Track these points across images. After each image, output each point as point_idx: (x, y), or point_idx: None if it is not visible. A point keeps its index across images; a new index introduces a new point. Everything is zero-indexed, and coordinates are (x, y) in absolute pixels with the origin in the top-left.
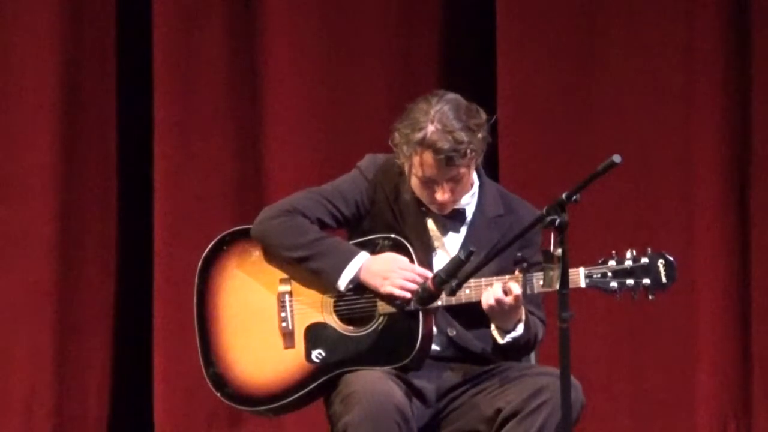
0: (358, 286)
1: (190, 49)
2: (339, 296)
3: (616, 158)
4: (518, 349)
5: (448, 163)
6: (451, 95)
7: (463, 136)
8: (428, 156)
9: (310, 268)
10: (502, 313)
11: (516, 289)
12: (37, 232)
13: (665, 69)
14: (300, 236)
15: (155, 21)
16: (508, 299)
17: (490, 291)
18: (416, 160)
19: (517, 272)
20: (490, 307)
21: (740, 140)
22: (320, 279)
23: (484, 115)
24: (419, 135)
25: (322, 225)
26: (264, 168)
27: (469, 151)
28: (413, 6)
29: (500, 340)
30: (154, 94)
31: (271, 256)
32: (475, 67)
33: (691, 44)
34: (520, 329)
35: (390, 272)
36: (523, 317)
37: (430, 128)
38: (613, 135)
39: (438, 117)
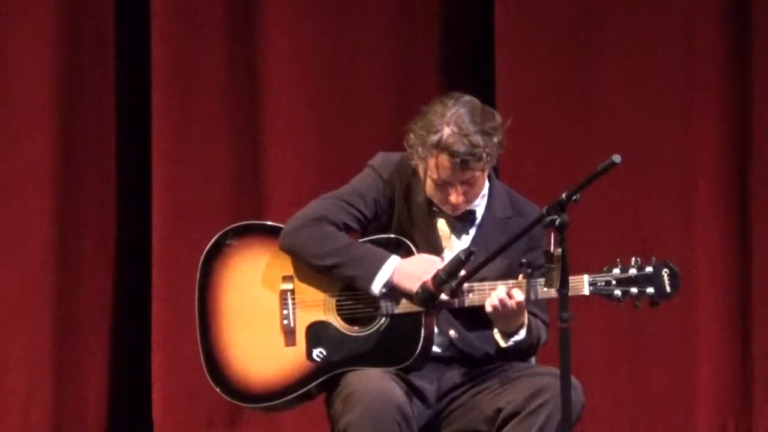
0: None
1: (189, 49)
2: (341, 296)
3: (616, 158)
4: (520, 353)
5: (463, 166)
6: (467, 98)
7: (478, 139)
8: (444, 159)
9: (343, 275)
10: (505, 317)
11: (519, 295)
12: (35, 231)
13: (665, 69)
14: (329, 244)
15: (154, 21)
16: (511, 303)
17: (494, 294)
18: (431, 162)
19: (521, 277)
20: (494, 308)
21: (740, 140)
22: (355, 285)
23: (499, 119)
24: (435, 138)
25: (348, 229)
26: (263, 168)
27: (484, 155)
28: (413, 6)
29: (502, 344)
30: (153, 93)
31: (274, 252)
32: (475, 67)
33: (690, 44)
34: (522, 333)
35: (424, 273)
36: (526, 321)
37: (446, 131)
38: (613, 135)
39: (454, 120)
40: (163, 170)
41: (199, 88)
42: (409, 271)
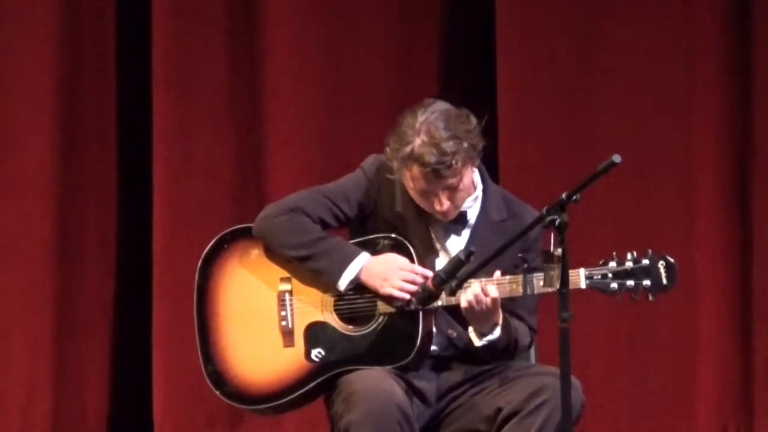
0: (358, 286)
1: (190, 49)
2: (339, 295)
3: (616, 158)
4: (497, 354)
5: (436, 175)
6: (438, 104)
7: (449, 147)
8: (416, 170)
9: (310, 268)
10: (480, 314)
11: (493, 291)
12: (36, 232)
13: (665, 69)
14: (302, 235)
15: (155, 20)
16: (486, 300)
17: (469, 290)
18: (407, 174)
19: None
20: (469, 304)
21: (740, 140)
22: (321, 279)
23: (474, 120)
24: (407, 149)
25: (324, 225)
26: (264, 168)
27: (454, 162)
28: (413, 6)
29: (477, 343)
30: (153, 94)
31: (272, 254)
32: (475, 67)
33: (691, 45)
34: (496, 332)
35: (389, 273)
36: (500, 321)
37: (417, 141)
38: (613, 135)
39: (425, 129)
40: (163, 170)
41: (200, 88)
42: (376, 269)
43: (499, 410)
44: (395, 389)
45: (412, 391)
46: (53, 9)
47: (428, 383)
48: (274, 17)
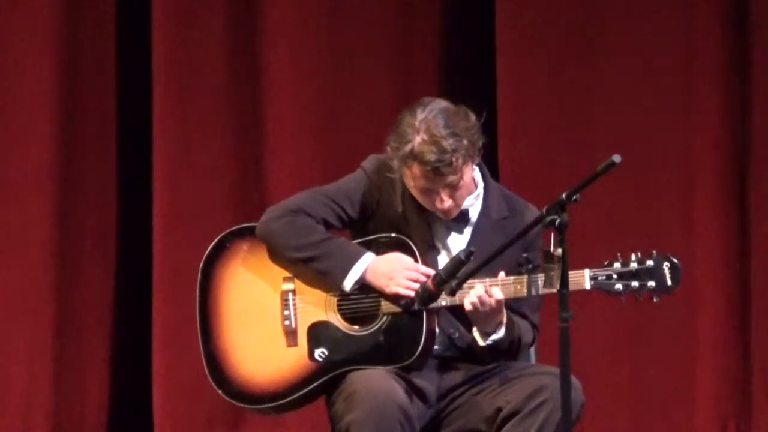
0: (362, 286)
1: (190, 49)
2: (342, 295)
3: (616, 158)
4: (501, 353)
5: (435, 173)
6: (437, 102)
7: (448, 145)
8: (416, 168)
9: (315, 269)
10: (484, 315)
11: (498, 293)
12: (36, 232)
13: (665, 69)
14: (306, 237)
15: (155, 21)
16: (490, 300)
17: (473, 292)
18: (407, 172)
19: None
20: (473, 306)
21: (740, 140)
22: (326, 279)
23: (473, 117)
24: (407, 148)
25: (327, 225)
26: (264, 168)
27: (454, 159)
28: (413, 6)
29: (481, 343)
30: (153, 93)
31: (275, 254)
32: (475, 68)
33: (691, 44)
34: (501, 332)
35: (395, 272)
36: (504, 320)
37: (417, 140)
38: (613, 135)
39: (424, 127)
40: (163, 170)
41: (200, 88)
42: (381, 269)
43: (499, 410)
44: (396, 389)
45: (413, 391)
46: (53, 10)
47: (429, 383)
48: (274, 17)
